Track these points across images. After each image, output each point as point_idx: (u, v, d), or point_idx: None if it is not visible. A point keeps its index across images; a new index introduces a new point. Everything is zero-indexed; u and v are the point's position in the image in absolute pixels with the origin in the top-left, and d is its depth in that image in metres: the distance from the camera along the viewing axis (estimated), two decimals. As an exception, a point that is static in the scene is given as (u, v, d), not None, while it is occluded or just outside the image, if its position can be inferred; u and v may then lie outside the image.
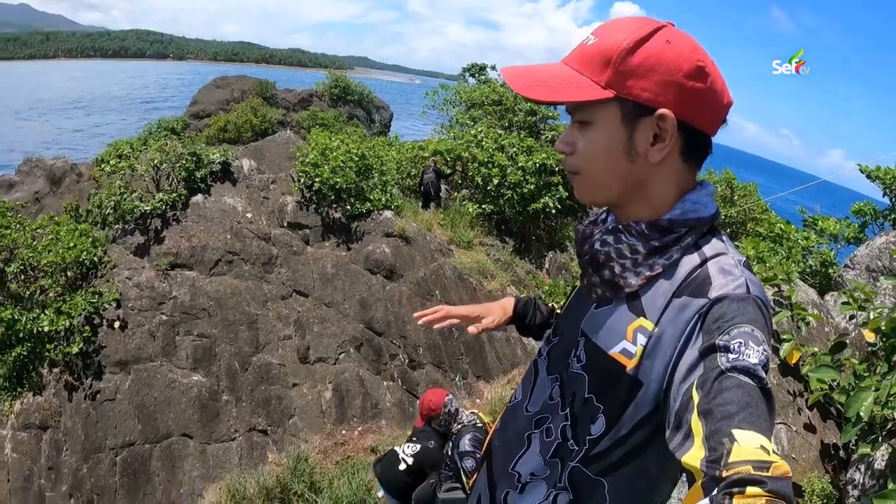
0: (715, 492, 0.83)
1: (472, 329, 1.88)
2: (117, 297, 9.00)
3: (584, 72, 1.19)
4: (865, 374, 2.90)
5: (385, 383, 9.90)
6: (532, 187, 12.30)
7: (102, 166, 11.19)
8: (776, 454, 0.85)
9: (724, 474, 0.84)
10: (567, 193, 13.02)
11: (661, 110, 1.15)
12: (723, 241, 1.24)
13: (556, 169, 12.94)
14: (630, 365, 1.21)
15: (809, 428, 4.75)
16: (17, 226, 9.62)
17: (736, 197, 13.54)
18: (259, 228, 10.76)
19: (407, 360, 10.26)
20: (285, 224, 11.13)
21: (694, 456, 0.91)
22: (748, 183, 14.46)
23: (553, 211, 12.66)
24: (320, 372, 9.74)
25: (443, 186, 14.59)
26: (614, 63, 1.15)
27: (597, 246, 1.30)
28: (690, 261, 1.21)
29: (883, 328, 2.84)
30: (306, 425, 9.14)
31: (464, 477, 4.68)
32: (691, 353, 1.08)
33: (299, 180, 11.31)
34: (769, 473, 0.82)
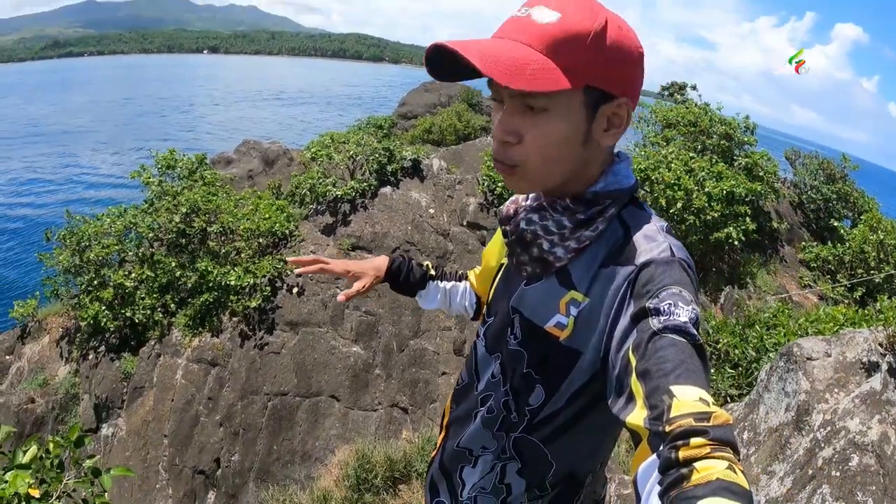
0: (661, 447, 0.85)
1: (340, 297, 1.92)
2: (326, 265, 9.80)
3: (551, 55, 1.11)
4: None
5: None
6: (717, 215, 11.71)
7: (305, 153, 12.32)
8: (715, 405, 0.87)
9: (668, 429, 0.85)
10: (755, 226, 12.30)
11: (624, 98, 1.17)
12: (645, 210, 1.28)
13: (747, 199, 12.32)
14: (563, 336, 1.25)
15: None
16: (224, 195, 10.81)
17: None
18: (439, 224, 11.24)
19: (558, 370, 10.24)
20: (465, 223, 11.50)
21: (637, 416, 0.94)
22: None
23: (736, 243, 12.03)
24: (471, 366, 9.98)
25: None
26: (588, 49, 1.11)
27: (522, 225, 1.32)
28: (615, 230, 1.24)
29: None
30: (447, 412, 9.42)
31: None
32: (624, 320, 1.10)
33: (483, 183, 11.71)
34: (710, 423, 0.83)
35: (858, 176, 15.87)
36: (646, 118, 16.14)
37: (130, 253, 10.13)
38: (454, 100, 26.80)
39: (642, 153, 13.44)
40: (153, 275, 9.60)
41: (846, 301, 11.76)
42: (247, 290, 9.42)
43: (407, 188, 11.58)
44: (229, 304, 9.34)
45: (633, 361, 1.00)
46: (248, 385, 8.87)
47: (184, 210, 9.86)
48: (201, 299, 9.33)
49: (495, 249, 1.65)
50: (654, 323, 1.01)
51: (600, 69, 1.12)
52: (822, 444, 3.84)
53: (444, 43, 1.10)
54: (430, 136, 22.00)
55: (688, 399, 0.87)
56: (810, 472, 3.75)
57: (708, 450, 0.80)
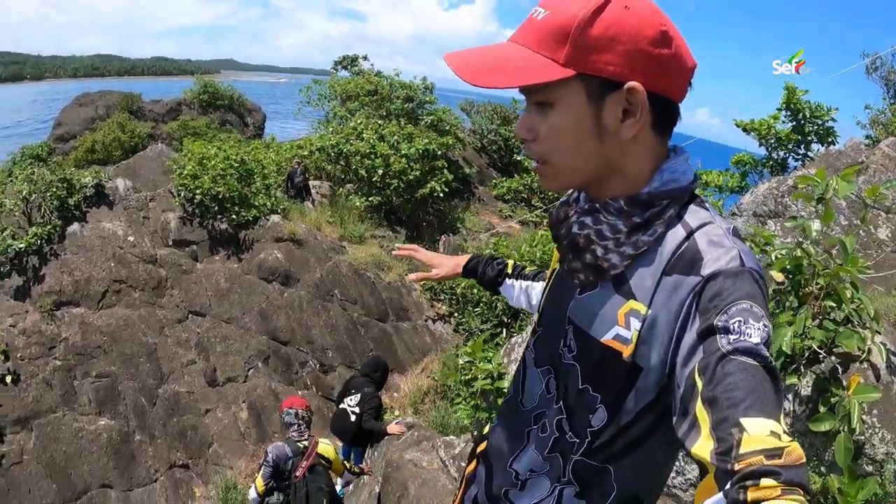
0: (728, 486, 0.82)
1: (411, 277, 2.02)
2: (4, 348, 8.52)
3: (540, 50, 1.10)
4: (778, 311, 3.01)
5: (300, 392, 9.82)
6: (417, 174, 12.32)
7: (-37, 208, 10.37)
8: (787, 436, 0.85)
9: (737, 467, 0.82)
10: (452, 176, 13.18)
11: (630, 83, 1.08)
12: (707, 209, 1.19)
13: (439, 153, 13.05)
14: (626, 352, 1.16)
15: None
16: None
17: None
18: (143, 251, 10.35)
19: (318, 366, 10.22)
20: (170, 243, 10.76)
21: (703, 447, 0.90)
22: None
23: (441, 195, 12.76)
24: (231, 393, 9.57)
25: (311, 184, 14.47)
26: (573, 37, 1.06)
27: (575, 229, 1.23)
28: (676, 234, 1.14)
29: (788, 267, 2.95)
30: (228, 451, 8.99)
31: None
32: (690, 336, 1.04)
33: (179, 194, 10.95)
34: (782, 462, 0.81)
35: (528, 113, 17.69)
36: (325, 95, 16.21)
37: None
38: (113, 110, 24.58)
39: (329, 129, 13.52)
40: None
41: (546, 221, 13.17)
42: (-48, 400, 7.95)
43: (97, 220, 10.48)
44: (-62, 426, 7.82)
45: (700, 385, 0.96)
46: (3, 514, 7.63)
47: None
48: None
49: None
50: (723, 343, 0.96)
51: (591, 55, 1.07)
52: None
53: (445, 55, 1.16)
54: (94, 156, 20.35)
55: (759, 433, 0.85)
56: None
57: (778, 492, 0.79)
